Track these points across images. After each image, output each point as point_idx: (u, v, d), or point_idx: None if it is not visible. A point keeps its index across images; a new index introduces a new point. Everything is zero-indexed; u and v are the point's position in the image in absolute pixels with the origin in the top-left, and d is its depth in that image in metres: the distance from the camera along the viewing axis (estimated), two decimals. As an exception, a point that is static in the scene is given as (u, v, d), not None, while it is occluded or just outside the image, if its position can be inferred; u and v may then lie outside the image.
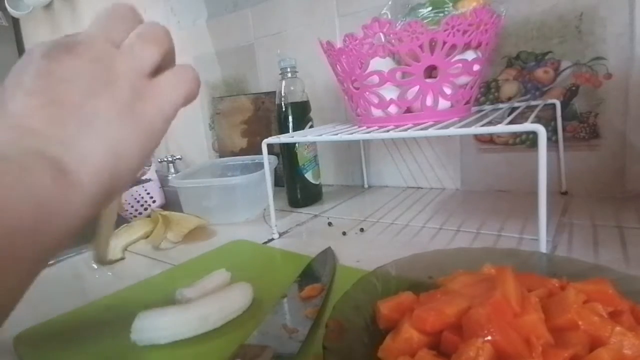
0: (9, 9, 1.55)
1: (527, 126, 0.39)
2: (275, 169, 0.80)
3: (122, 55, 0.24)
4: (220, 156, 1.08)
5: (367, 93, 0.56)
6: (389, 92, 0.55)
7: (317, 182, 0.79)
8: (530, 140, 0.68)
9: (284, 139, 0.60)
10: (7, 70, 0.22)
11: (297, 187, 0.77)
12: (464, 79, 0.53)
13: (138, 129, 0.23)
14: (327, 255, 0.50)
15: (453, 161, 0.77)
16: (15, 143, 0.19)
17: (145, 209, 0.88)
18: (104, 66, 0.23)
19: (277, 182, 0.82)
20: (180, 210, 0.73)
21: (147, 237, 0.65)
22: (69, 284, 0.54)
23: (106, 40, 0.24)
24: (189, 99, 0.26)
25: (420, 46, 0.49)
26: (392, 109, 0.56)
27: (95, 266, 0.58)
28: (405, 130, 0.50)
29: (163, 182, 0.95)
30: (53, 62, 0.22)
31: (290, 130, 0.74)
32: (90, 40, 0.24)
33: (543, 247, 0.41)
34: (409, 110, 0.56)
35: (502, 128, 0.42)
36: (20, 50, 1.80)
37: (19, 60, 0.23)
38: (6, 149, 0.19)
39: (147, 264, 0.57)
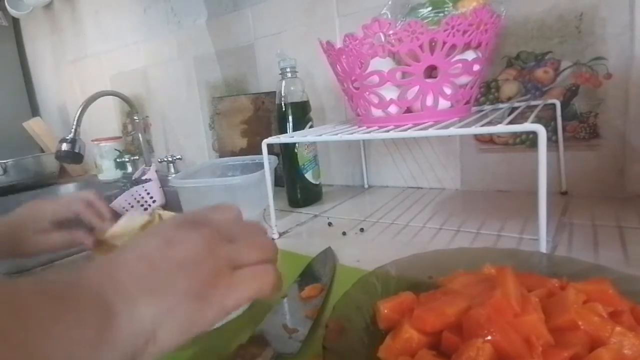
0: (9, 9, 1.55)
1: (527, 126, 0.39)
2: (275, 169, 0.80)
3: (227, 247, 0.26)
4: (220, 156, 1.08)
5: (367, 93, 0.56)
6: (389, 92, 0.55)
7: (317, 182, 0.79)
8: (530, 140, 0.68)
9: (284, 139, 0.60)
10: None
11: (297, 187, 0.77)
12: (464, 79, 0.53)
13: (192, 310, 0.24)
14: (327, 255, 0.50)
15: (453, 161, 0.77)
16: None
17: (145, 209, 0.88)
18: (209, 251, 0.25)
19: (277, 182, 0.82)
20: (181, 210, 0.73)
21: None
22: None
23: (221, 234, 0.27)
24: (255, 297, 0.26)
25: (420, 46, 0.49)
26: (392, 109, 0.56)
27: None
28: (405, 130, 0.50)
29: (163, 182, 0.95)
30: (179, 232, 0.25)
31: (290, 130, 0.74)
32: (213, 228, 0.26)
33: (543, 247, 0.41)
34: (409, 110, 0.56)
35: (502, 128, 0.42)
36: (20, 50, 1.80)
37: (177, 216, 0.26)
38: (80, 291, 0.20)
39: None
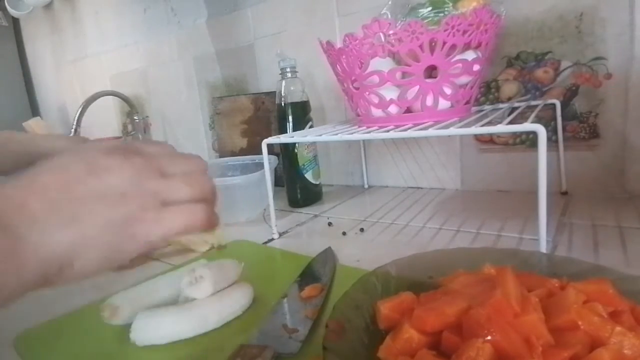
0: (9, 9, 1.55)
1: (527, 126, 0.39)
2: (275, 169, 0.80)
3: (158, 182, 0.25)
4: (220, 156, 1.08)
5: (367, 93, 0.56)
6: (389, 92, 0.55)
7: (317, 182, 0.79)
8: (530, 140, 0.68)
9: (284, 139, 0.60)
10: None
11: (297, 187, 0.77)
12: (464, 79, 0.53)
13: (113, 242, 0.23)
14: (327, 255, 0.50)
15: (453, 161, 0.77)
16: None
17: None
18: (138, 184, 0.24)
19: (277, 182, 0.82)
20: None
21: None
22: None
23: (153, 166, 0.26)
24: (182, 232, 0.26)
25: (420, 46, 0.49)
26: (392, 109, 0.56)
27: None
28: (405, 130, 0.50)
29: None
30: (106, 159, 0.24)
31: (290, 130, 0.74)
32: (146, 158, 0.25)
33: (543, 247, 0.41)
34: (409, 110, 0.56)
35: (502, 128, 0.42)
36: (20, 50, 1.80)
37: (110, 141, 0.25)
38: None
39: (147, 265, 0.57)
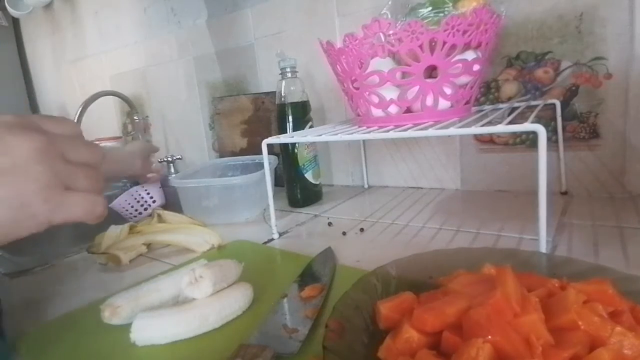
0: (9, 9, 1.55)
1: (527, 126, 0.39)
2: (275, 169, 0.80)
3: (64, 165, 0.26)
4: (220, 156, 1.08)
5: (367, 93, 0.56)
6: (389, 92, 0.55)
7: (317, 182, 0.79)
8: (530, 140, 0.68)
9: (284, 139, 0.60)
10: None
11: (297, 187, 0.77)
12: (464, 79, 0.53)
13: (11, 218, 0.23)
14: (327, 255, 0.50)
15: (453, 161, 0.77)
16: None
17: (145, 209, 0.88)
18: (43, 162, 0.24)
19: (277, 182, 0.82)
20: (181, 211, 0.73)
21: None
22: (69, 284, 0.54)
23: (61, 151, 0.26)
24: (80, 220, 0.27)
25: (420, 46, 0.49)
26: (392, 109, 0.56)
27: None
28: (405, 130, 0.50)
29: (163, 182, 0.95)
30: (5, 135, 0.23)
31: (290, 130, 0.74)
32: (50, 138, 0.25)
33: (543, 247, 0.41)
34: (409, 110, 0.56)
35: (502, 128, 0.42)
36: (20, 50, 1.80)
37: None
38: None
39: (147, 265, 0.57)
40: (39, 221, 0.24)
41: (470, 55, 0.51)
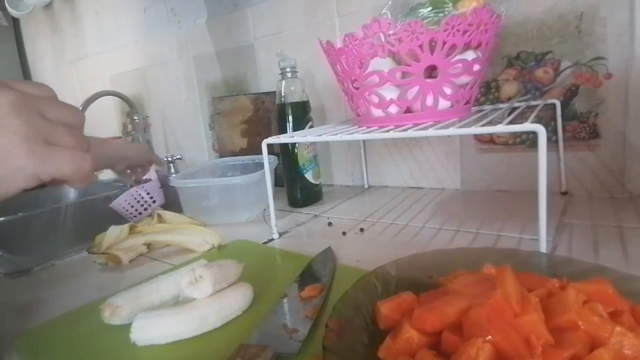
0: (9, 9, 1.55)
1: (527, 126, 0.39)
2: (275, 169, 0.80)
3: (41, 120, 0.25)
4: (220, 156, 1.08)
5: (367, 93, 0.56)
6: (389, 92, 0.55)
7: (317, 182, 0.79)
8: (530, 140, 0.68)
9: (284, 139, 0.60)
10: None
11: (297, 187, 0.77)
12: (464, 79, 0.53)
13: (2, 178, 0.23)
14: (327, 255, 0.50)
15: (453, 161, 0.77)
16: None
17: (145, 209, 0.88)
18: (17, 115, 0.24)
19: (277, 182, 0.82)
20: (181, 211, 0.73)
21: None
22: (69, 284, 0.54)
23: (38, 108, 0.25)
24: (67, 177, 0.26)
25: (420, 46, 0.49)
26: (392, 109, 0.56)
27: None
28: (405, 130, 0.50)
29: (163, 182, 0.95)
30: None
31: (290, 130, 0.74)
32: (25, 95, 0.25)
33: (543, 247, 0.41)
34: (409, 110, 0.56)
35: (502, 128, 0.42)
36: (21, 50, 1.80)
37: None
38: None
39: (147, 265, 0.57)
40: (26, 174, 0.24)
41: (470, 55, 0.51)
